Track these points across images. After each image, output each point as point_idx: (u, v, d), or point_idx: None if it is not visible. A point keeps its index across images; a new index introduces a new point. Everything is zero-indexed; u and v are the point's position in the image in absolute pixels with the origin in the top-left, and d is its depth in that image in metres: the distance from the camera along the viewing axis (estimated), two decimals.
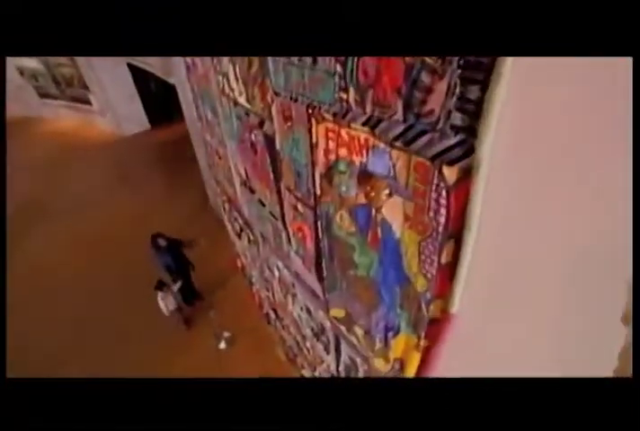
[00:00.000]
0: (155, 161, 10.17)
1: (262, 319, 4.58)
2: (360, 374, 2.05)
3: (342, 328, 1.97)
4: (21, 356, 4.16)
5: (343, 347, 2.12)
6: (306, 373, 3.38)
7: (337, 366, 2.41)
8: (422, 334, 1.30)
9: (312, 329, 2.59)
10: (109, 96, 10.40)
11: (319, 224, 1.66)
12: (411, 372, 1.47)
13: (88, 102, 11.28)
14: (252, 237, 3.26)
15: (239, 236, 3.96)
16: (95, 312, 5.24)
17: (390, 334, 1.52)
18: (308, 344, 2.88)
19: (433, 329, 1.24)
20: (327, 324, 2.18)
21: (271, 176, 2.00)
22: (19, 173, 9.08)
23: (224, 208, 4.45)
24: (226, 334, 4.61)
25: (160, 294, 4.44)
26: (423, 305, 1.23)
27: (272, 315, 3.84)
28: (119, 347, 4.67)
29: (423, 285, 1.18)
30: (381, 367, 1.72)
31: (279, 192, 2.02)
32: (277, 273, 2.86)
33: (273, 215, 2.28)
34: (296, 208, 1.84)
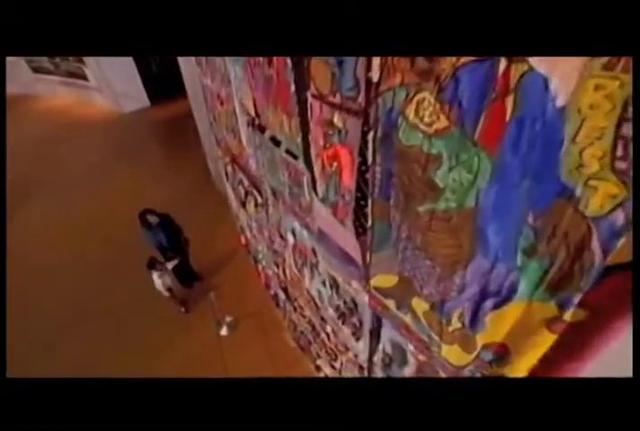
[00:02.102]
0: (154, 138, 9.64)
1: (268, 301, 4.05)
2: (410, 368, 1.49)
3: (390, 302, 1.41)
4: (17, 337, 3.68)
5: (386, 330, 1.56)
6: (322, 363, 2.84)
7: (370, 356, 1.86)
8: (576, 298, 0.72)
9: (337, 309, 2.03)
10: (105, 70, 9.78)
11: (370, 137, 1.08)
12: (524, 365, 0.91)
13: (84, 77, 10.65)
14: (259, 199, 2.69)
15: (244, 205, 3.39)
16: (90, 293, 4.73)
17: (487, 305, 0.94)
18: (329, 328, 2.33)
19: (610, 286, 0.67)
20: (363, 299, 1.61)
21: (293, 88, 1.41)
22: (13, 151, 8.55)
23: (226, 174, 3.88)
24: (228, 318, 4.08)
25: (155, 273, 3.91)
26: (596, 242, 0.65)
27: (282, 296, 3.30)
28: (113, 331, 4.18)
29: (611, 194, 0.60)
30: (455, 358, 1.16)
31: (302, 112, 1.43)
32: (291, 239, 2.29)
33: (291, 154, 1.70)
34: (330, 124, 1.25)
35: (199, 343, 3.93)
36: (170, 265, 4.15)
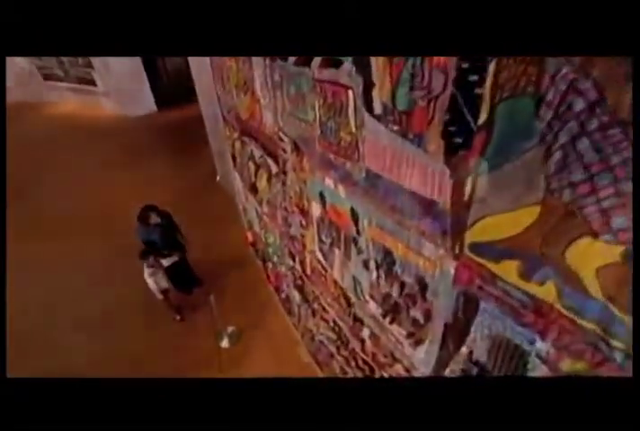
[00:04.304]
0: (160, 143, 9.38)
1: (277, 308, 3.44)
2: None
3: (508, 266, 0.82)
4: (16, 337, 3.16)
5: (484, 320, 0.96)
6: None
7: (439, 368, 1.25)
8: None
9: (384, 300, 1.43)
10: (114, 75, 9.66)
11: None
12: None
13: (93, 83, 10.53)
14: (274, 169, 2.16)
15: (253, 187, 2.86)
16: (92, 294, 4.22)
17: None
18: (366, 332, 1.72)
19: None
20: (446, 272, 1.03)
21: None
22: (16, 153, 8.29)
23: (234, 160, 3.38)
24: (230, 328, 3.47)
25: (147, 271, 3.34)
26: None
27: (296, 298, 2.69)
28: (101, 338, 3.61)
29: None
30: None
31: None
32: (318, 209, 1.73)
33: (335, 63, 1.18)
34: None
35: (195, 355, 3.30)
36: (166, 262, 3.59)
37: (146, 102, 10.19)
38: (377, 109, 1.04)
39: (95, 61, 9.65)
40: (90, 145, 9.11)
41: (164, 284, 3.47)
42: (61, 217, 6.13)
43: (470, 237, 0.90)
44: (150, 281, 3.31)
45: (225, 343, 3.36)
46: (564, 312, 0.74)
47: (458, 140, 0.82)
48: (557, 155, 0.64)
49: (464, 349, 1.10)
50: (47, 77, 11.46)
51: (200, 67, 4.16)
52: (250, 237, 3.90)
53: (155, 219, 3.51)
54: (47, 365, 3.24)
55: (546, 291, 0.76)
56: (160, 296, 3.46)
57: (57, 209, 6.41)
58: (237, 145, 2.97)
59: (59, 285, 4.42)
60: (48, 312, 4.02)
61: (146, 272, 3.30)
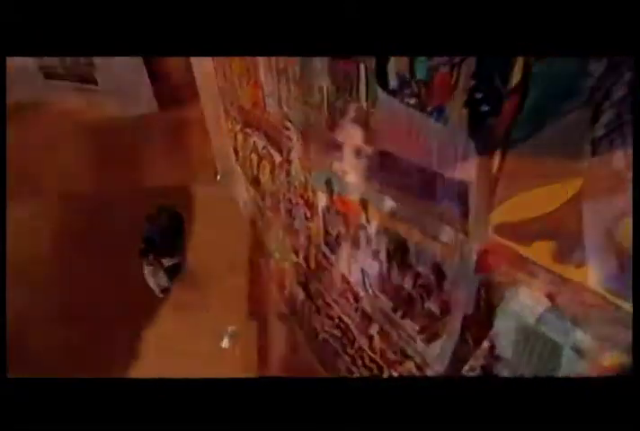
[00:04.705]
0: (161, 143, 9.34)
1: (278, 306, 3.36)
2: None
3: (543, 247, 0.74)
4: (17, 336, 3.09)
5: (511, 307, 0.88)
6: None
7: (457, 363, 1.16)
8: None
9: (396, 293, 1.35)
10: (116, 74, 9.62)
11: None
12: None
13: (95, 81, 10.51)
14: (278, 158, 2.10)
15: (256, 180, 2.80)
16: (84, 294, 4.12)
17: None
18: (375, 328, 1.64)
19: None
20: (466, 259, 0.95)
21: None
22: (16, 153, 8.27)
23: (236, 154, 3.32)
24: (231, 328, 3.38)
25: (147, 269, 3.31)
26: None
27: (300, 295, 2.62)
28: (101, 338, 3.51)
29: None
30: None
31: None
32: (324, 199, 1.65)
33: None
34: None
35: (194, 358, 3.22)
36: (166, 262, 3.54)
37: (147, 102, 10.16)
38: (392, 81, 0.96)
39: (97, 60, 9.62)
40: (90, 144, 9.09)
41: (165, 282, 3.44)
42: (61, 216, 6.10)
43: (496, 218, 0.82)
44: (150, 279, 3.29)
45: (225, 343, 3.28)
46: (609, 297, 0.66)
47: (485, 108, 0.74)
48: (609, 115, 0.56)
49: (485, 344, 1.02)
50: (48, 76, 11.45)
51: (202, 64, 4.14)
52: (250, 235, 3.83)
53: (163, 219, 3.50)
54: (44, 363, 3.17)
55: (586, 274, 0.68)
56: (160, 295, 3.44)
57: (56, 209, 6.38)
58: (240, 137, 2.90)
59: (59, 285, 4.37)
60: (47, 312, 3.97)
61: (146, 270, 3.27)
